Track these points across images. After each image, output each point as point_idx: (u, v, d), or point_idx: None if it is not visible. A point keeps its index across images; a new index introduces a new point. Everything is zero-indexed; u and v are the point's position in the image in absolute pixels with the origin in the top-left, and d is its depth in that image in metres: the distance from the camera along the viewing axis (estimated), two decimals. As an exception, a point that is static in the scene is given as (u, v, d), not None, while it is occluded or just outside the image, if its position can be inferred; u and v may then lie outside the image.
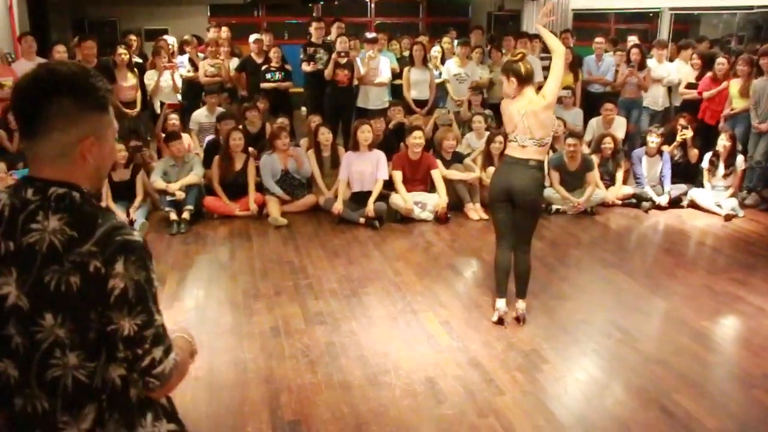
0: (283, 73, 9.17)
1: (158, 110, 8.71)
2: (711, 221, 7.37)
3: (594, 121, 8.76)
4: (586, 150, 8.11)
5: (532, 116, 4.49)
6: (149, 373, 1.61)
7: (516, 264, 4.77)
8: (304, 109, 9.82)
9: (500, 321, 4.74)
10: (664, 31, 10.92)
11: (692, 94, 8.73)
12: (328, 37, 9.42)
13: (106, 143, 1.66)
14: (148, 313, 1.58)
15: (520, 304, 4.80)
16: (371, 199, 7.04)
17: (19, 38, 7.66)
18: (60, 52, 7.38)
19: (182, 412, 3.58)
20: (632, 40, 9.88)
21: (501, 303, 4.77)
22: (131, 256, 1.54)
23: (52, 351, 1.55)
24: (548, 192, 7.62)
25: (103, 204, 6.55)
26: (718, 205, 7.51)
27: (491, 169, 7.53)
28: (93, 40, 7.75)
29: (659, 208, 7.71)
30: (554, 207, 7.59)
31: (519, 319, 4.78)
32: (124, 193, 6.90)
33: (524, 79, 4.53)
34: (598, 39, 9.65)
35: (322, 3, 14.88)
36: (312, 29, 9.29)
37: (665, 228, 7.27)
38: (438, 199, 7.23)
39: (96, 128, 1.62)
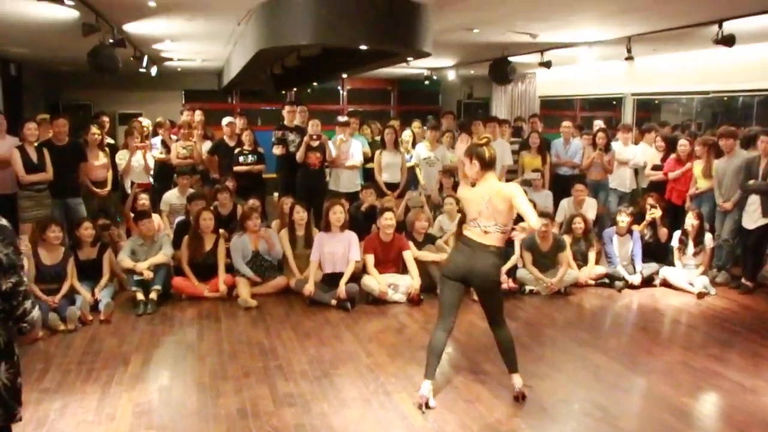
0: (255, 156, 9.19)
1: (129, 191, 8.64)
2: (684, 299, 7.36)
3: (565, 202, 8.84)
4: (557, 231, 8.17)
5: (497, 202, 4.42)
6: (23, 319, 2.19)
7: (500, 340, 4.70)
8: (276, 194, 9.81)
9: (423, 407, 4.50)
10: (628, 116, 11.23)
11: (658, 175, 8.89)
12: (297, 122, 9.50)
13: None
14: (18, 276, 2.16)
15: (517, 380, 4.69)
16: (343, 281, 6.95)
17: (-9, 117, 7.61)
18: (30, 129, 7.33)
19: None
20: (598, 124, 10.13)
21: (427, 386, 4.54)
22: (0, 236, 2.11)
23: None
24: (521, 273, 7.63)
25: (67, 283, 6.40)
26: (690, 284, 7.53)
27: (464, 250, 7.55)
28: (65, 118, 7.74)
29: (632, 287, 7.71)
30: (527, 288, 7.55)
31: (519, 397, 4.67)
32: (90, 272, 6.71)
33: (487, 164, 4.47)
34: (565, 123, 9.87)
35: (295, 90, 15.14)
36: (284, 113, 9.39)
37: (639, 307, 7.24)
38: (410, 281, 7.16)
39: None
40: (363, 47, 6.21)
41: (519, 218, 4.45)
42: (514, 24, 7.63)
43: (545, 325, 6.58)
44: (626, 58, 8.38)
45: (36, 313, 2.22)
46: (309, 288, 6.94)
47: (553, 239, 7.64)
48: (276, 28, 6.23)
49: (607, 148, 9.28)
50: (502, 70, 10.04)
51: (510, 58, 10.18)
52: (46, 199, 7.43)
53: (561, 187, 9.45)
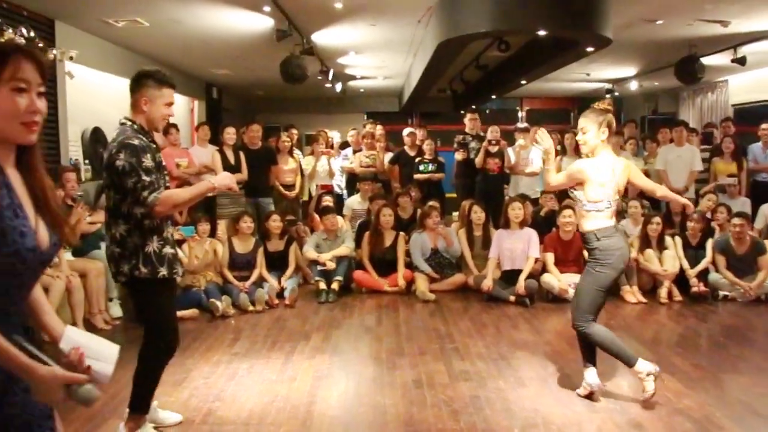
0: (436, 165, 9.31)
1: (314, 194, 9.11)
2: None
3: (765, 207, 8.14)
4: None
5: (621, 176, 4.09)
6: (143, 204, 3.18)
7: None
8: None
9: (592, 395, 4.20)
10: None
11: None
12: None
13: (155, 104, 3.36)
14: (138, 175, 3.17)
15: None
16: (522, 276, 6.84)
17: (197, 127, 8.37)
18: (230, 133, 7.96)
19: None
20: (806, 125, 9.23)
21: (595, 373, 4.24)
22: (128, 150, 3.20)
23: (106, 191, 3.36)
24: (714, 277, 7.12)
25: (256, 271, 6.82)
26: None
27: (649, 252, 7.19)
28: (259, 124, 8.35)
29: None
30: (721, 293, 7.00)
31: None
32: (277, 263, 7.12)
33: (613, 133, 4.12)
34: (764, 125, 9.08)
35: (474, 107, 15.21)
36: (467, 120, 9.47)
37: None
38: (592, 280, 6.88)
39: (149, 94, 3.35)
40: (541, 33, 6.16)
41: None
42: (703, 9, 7.18)
43: (743, 328, 6.07)
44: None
45: (151, 197, 3.16)
46: (487, 283, 6.90)
47: (751, 241, 7.04)
48: (455, 19, 6.36)
49: (818, 150, 8.43)
50: (689, 68, 9.47)
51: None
52: (240, 198, 7.97)
53: (759, 194, 8.72)
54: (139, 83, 3.36)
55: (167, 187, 3.40)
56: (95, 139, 8.04)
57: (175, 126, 8.03)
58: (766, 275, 6.91)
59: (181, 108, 11.79)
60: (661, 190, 4.43)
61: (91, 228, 6.21)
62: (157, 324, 3.42)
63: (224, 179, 3.51)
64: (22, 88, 1.63)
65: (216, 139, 8.44)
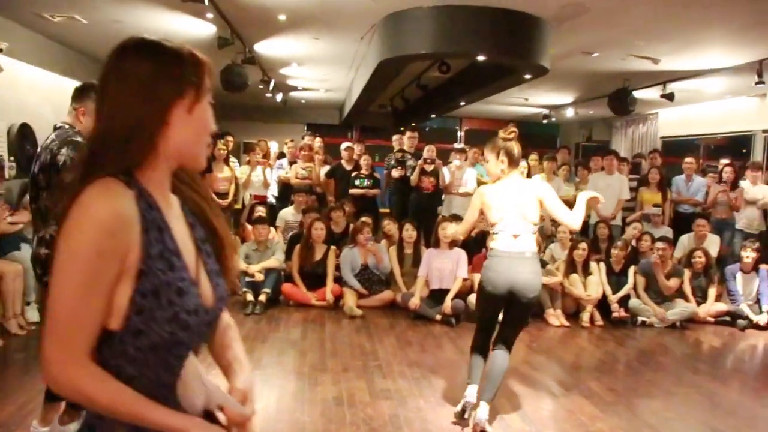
0: (372, 181, 9.34)
1: (248, 203, 9.03)
2: (818, 343, 6.83)
3: (685, 238, 8.45)
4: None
5: (527, 198, 4.05)
6: None
7: (493, 359, 4.16)
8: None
9: (464, 412, 4.14)
10: (758, 155, 10.61)
11: (792, 215, 8.34)
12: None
13: (92, 116, 3.08)
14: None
15: (483, 411, 3.99)
16: (449, 296, 6.92)
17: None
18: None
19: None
20: (725, 161, 9.65)
21: (472, 390, 4.13)
22: (71, 146, 3.18)
23: (40, 192, 3.29)
24: (634, 303, 7.36)
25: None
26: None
27: (574, 276, 7.38)
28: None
29: (757, 327, 7.22)
30: (640, 319, 7.24)
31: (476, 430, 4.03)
32: (204, 273, 7.00)
33: (515, 161, 4.09)
34: (687, 159, 9.46)
35: (413, 125, 15.35)
36: (405, 138, 9.56)
37: (767, 347, 6.76)
38: (518, 302, 7.01)
39: (88, 107, 3.26)
40: (481, 58, 6.28)
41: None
42: (635, 46, 7.46)
43: (658, 353, 6.27)
44: (757, 83, 7.89)
45: None
46: (415, 301, 6.95)
47: (672, 267, 7.33)
48: (397, 39, 6.43)
49: (734, 185, 8.81)
50: (621, 100, 9.82)
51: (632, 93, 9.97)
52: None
53: (681, 225, 9.03)
54: (82, 93, 3.35)
55: None
56: (23, 135, 7.77)
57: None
58: (676, 284, 7.30)
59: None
60: (566, 217, 4.09)
61: (12, 228, 5.99)
62: None
63: None
64: (211, 102, 1.34)
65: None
